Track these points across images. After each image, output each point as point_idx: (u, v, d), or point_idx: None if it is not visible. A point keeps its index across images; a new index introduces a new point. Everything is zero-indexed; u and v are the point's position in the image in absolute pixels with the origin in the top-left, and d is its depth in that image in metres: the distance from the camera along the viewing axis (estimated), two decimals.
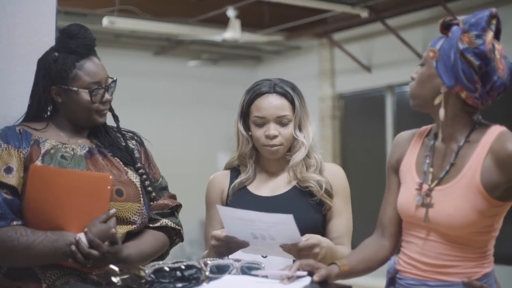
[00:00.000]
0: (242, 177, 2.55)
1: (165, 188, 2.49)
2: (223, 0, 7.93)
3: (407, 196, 2.17)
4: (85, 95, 2.31)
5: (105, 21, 7.67)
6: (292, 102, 2.51)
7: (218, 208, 2.17)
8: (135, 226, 2.31)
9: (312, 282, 1.94)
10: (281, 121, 2.48)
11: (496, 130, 2.08)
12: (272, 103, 2.48)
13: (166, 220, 2.41)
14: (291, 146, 2.53)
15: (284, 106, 2.49)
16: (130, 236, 2.31)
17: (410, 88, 2.18)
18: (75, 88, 2.31)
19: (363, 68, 9.06)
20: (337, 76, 9.52)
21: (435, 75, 2.08)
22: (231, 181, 2.57)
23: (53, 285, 2.21)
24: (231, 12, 7.98)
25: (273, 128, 2.46)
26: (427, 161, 2.16)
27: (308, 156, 2.53)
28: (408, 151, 2.24)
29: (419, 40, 8.21)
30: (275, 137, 2.47)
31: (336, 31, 9.18)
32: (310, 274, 1.98)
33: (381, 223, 2.30)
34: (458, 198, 2.05)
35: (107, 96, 2.35)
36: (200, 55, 10.40)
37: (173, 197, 2.49)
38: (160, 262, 2.03)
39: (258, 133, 2.49)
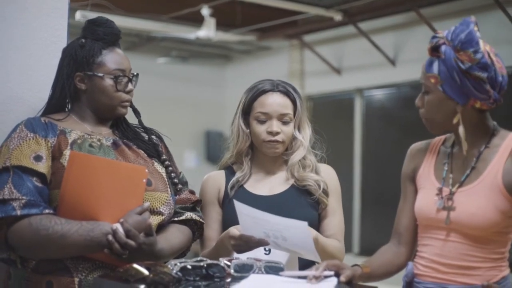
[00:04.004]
0: (238, 175, 2.58)
1: (186, 183, 2.49)
2: None
3: (426, 200, 2.22)
4: (109, 81, 2.31)
5: (78, 15, 7.59)
6: (294, 102, 2.57)
7: (236, 203, 2.18)
8: (164, 217, 2.29)
9: (339, 282, 1.98)
10: (283, 119, 2.53)
11: None
12: (276, 101, 2.53)
13: (191, 214, 2.39)
14: (289, 146, 2.58)
15: (287, 104, 2.55)
16: (157, 229, 2.28)
17: (422, 116, 2.23)
18: (100, 74, 2.30)
19: (333, 71, 9.13)
20: (306, 77, 9.59)
21: (445, 99, 2.14)
22: (227, 180, 2.60)
23: (86, 279, 2.16)
24: (205, 11, 7.98)
25: (275, 125, 2.51)
26: (446, 167, 2.23)
27: (303, 156, 2.58)
28: (425, 159, 2.31)
29: (390, 45, 8.32)
30: (277, 133, 2.51)
31: (309, 32, 9.23)
32: (336, 274, 2.01)
33: (397, 231, 2.35)
34: (481, 198, 2.11)
35: (130, 86, 2.36)
36: (170, 52, 10.37)
37: (193, 192, 2.48)
38: (182, 260, 2.04)
39: (260, 129, 2.53)
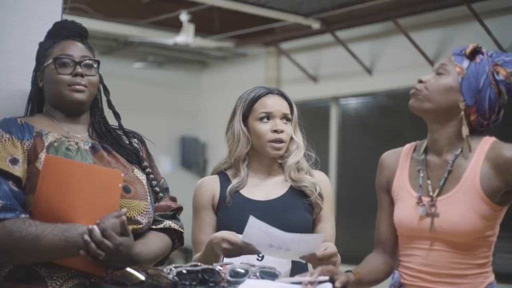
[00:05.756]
0: (236, 181, 2.58)
1: (166, 189, 2.43)
2: (175, 4, 7.93)
3: (406, 210, 2.24)
4: (51, 65, 2.28)
5: None
6: (290, 105, 2.61)
7: (251, 218, 2.16)
8: (142, 226, 2.23)
9: (334, 287, 2.00)
10: (285, 119, 2.56)
11: (489, 140, 2.20)
12: (278, 101, 2.58)
13: (170, 222, 2.34)
14: (286, 148, 2.59)
15: (286, 106, 2.59)
16: (135, 236, 2.21)
17: (423, 90, 2.22)
18: (46, 63, 2.29)
19: (309, 78, 9.17)
20: (282, 85, 9.60)
21: (457, 90, 2.18)
22: (222, 185, 2.59)
23: None
24: (184, 17, 7.98)
25: (279, 123, 2.54)
26: (421, 174, 2.25)
27: (298, 160, 2.60)
28: (398, 169, 2.32)
29: (367, 54, 8.36)
30: (281, 131, 2.53)
31: (286, 40, 9.27)
32: (330, 279, 2.04)
33: (379, 241, 2.38)
34: (461, 205, 2.14)
35: (78, 69, 2.26)
36: (147, 57, 10.35)
37: (174, 199, 2.43)
38: (178, 264, 2.04)
39: (264, 128, 2.54)
